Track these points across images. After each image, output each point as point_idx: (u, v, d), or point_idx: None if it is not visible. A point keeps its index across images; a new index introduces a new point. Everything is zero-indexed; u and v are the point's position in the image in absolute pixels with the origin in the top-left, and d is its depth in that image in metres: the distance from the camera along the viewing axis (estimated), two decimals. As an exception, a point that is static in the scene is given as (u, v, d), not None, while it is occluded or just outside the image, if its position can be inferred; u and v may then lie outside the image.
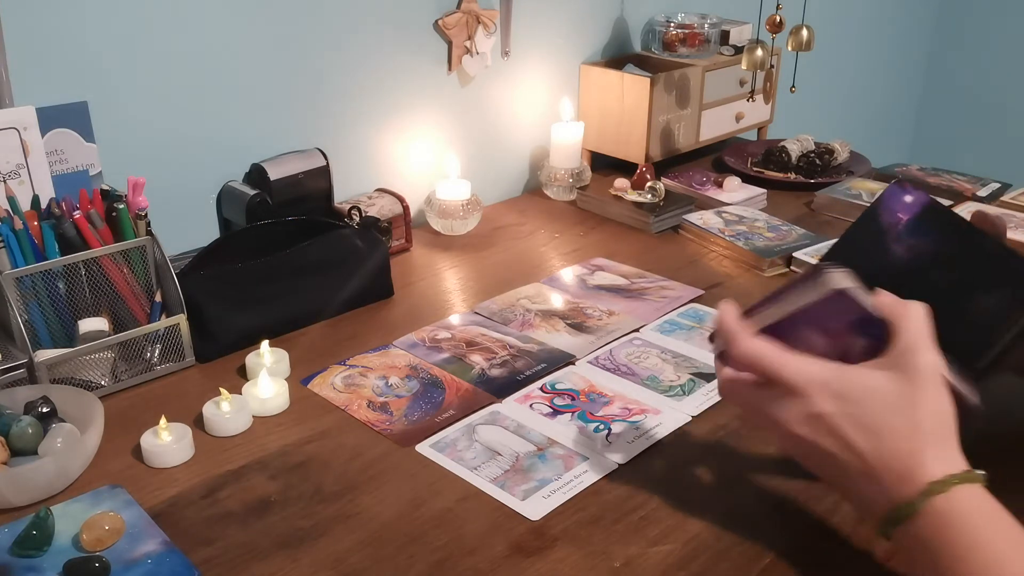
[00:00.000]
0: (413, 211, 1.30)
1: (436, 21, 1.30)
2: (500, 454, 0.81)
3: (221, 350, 0.98)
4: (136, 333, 0.92)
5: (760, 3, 1.35)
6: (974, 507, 0.56)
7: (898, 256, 0.73)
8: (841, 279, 0.65)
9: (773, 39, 1.38)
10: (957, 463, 0.58)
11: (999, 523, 0.56)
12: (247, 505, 0.75)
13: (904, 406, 0.59)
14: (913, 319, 0.62)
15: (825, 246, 1.20)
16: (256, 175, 1.15)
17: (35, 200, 0.91)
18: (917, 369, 0.60)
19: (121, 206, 0.91)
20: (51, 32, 0.97)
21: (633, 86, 1.43)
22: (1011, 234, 1.23)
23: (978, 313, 0.69)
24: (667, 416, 0.87)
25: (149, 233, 0.93)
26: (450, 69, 1.34)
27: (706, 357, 0.97)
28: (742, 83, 1.56)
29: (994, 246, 0.72)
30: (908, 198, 0.73)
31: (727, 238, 1.24)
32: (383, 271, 1.11)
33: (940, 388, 0.60)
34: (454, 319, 1.07)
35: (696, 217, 1.30)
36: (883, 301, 0.64)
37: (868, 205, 0.77)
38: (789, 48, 1.39)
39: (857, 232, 0.76)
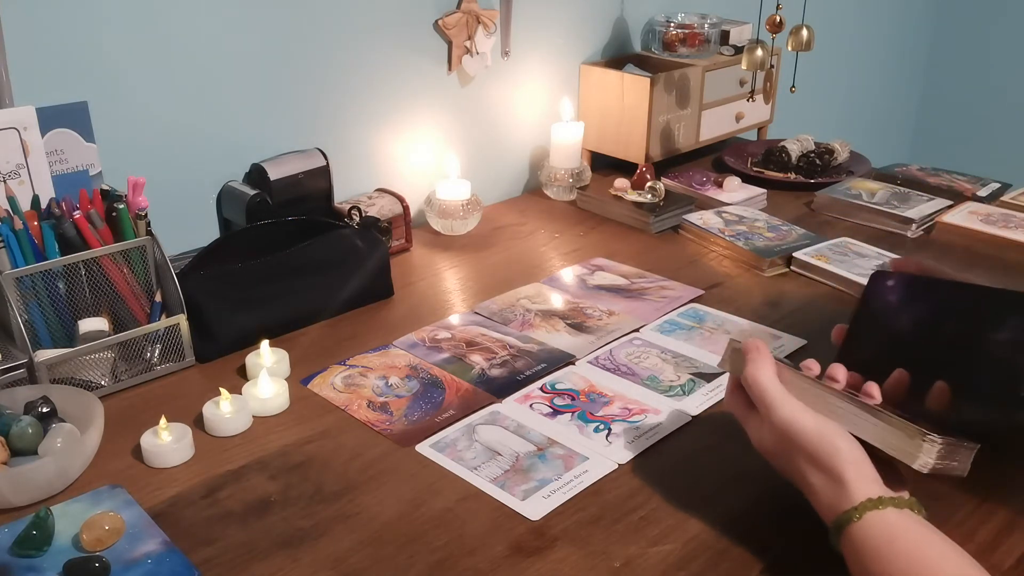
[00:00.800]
0: (413, 211, 1.30)
1: (436, 21, 1.30)
2: (500, 454, 0.81)
3: (221, 350, 0.98)
4: (136, 333, 0.92)
5: (760, 3, 1.35)
6: (868, 544, 0.61)
7: (906, 331, 0.78)
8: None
9: (773, 39, 1.38)
10: (846, 500, 0.63)
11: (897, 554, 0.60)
12: (247, 505, 0.75)
13: (783, 453, 0.69)
14: (752, 387, 0.71)
15: (824, 246, 1.20)
16: (256, 175, 1.15)
17: (35, 200, 0.91)
18: (774, 431, 0.68)
19: (121, 206, 0.91)
20: (51, 32, 0.97)
21: (633, 86, 1.43)
22: (1011, 234, 1.23)
23: (998, 349, 0.73)
24: (667, 416, 0.87)
25: (149, 233, 0.93)
26: (450, 69, 1.34)
27: (706, 357, 0.97)
28: (742, 83, 1.56)
29: (981, 288, 0.76)
30: (890, 283, 0.79)
31: (727, 238, 1.24)
32: (383, 271, 1.11)
33: (795, 438, 0.67)
34: (454, 319, 1.07)
35: (696, 217, 1.30)
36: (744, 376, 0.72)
37: (857, 302, 0.82)
38: (789, 48, 1.39)
39: (860, 328, 0.80)
